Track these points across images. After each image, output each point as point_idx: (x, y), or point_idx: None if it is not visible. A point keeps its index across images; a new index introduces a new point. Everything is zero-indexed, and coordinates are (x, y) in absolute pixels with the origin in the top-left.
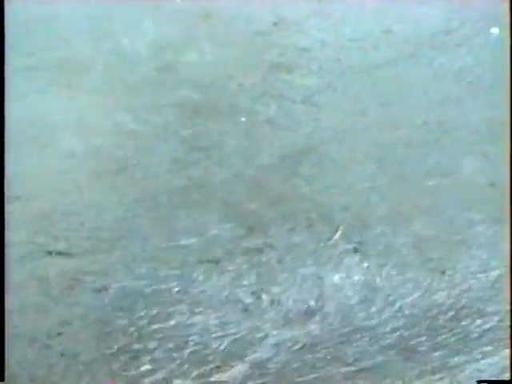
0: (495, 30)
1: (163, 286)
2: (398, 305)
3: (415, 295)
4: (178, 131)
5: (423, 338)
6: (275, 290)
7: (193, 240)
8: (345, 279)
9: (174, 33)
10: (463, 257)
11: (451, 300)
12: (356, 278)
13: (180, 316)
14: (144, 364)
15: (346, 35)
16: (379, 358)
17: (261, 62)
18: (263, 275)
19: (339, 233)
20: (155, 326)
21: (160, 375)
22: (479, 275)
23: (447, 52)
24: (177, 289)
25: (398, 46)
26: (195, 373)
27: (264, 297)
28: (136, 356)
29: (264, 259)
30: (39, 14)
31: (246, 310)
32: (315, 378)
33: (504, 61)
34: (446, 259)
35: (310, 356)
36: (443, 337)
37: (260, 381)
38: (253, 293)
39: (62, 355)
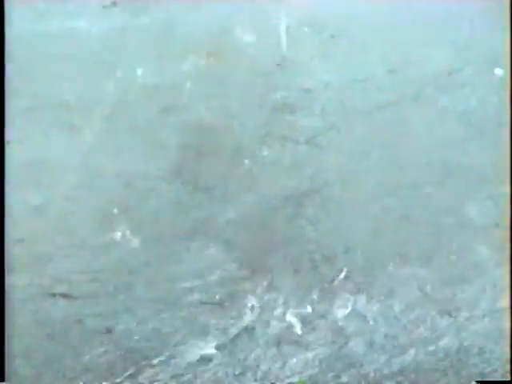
0: (499, 71)
1: (167, 328)
2: (403, 346)
3: (420, 336)
4: (182, 172)
5: (429, 379)
6: (280, 329)
7: (197, 282)
8: (349, 320)
9: (178, 74)
10: (468, 298)
11: (456, 341)
12: (360, 318)
13: (186, 356)
14: None
15: (350, 76)
16: None
17: (264, 103)
18: (268, 315)
19: (343, 274)
20: (158, 368)
21: None
22: (484, 316)
23: (451, 93)
24: (181, 330)
25: (401, 87)
26: None
27: (269, 338)
28: None
29: (268, 300)
30: (42, 55)
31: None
32: None
33: (508, 102)
34: (451, 300)
35: None
36: (449, 378)
37: None
38: (256, 333)
39: None
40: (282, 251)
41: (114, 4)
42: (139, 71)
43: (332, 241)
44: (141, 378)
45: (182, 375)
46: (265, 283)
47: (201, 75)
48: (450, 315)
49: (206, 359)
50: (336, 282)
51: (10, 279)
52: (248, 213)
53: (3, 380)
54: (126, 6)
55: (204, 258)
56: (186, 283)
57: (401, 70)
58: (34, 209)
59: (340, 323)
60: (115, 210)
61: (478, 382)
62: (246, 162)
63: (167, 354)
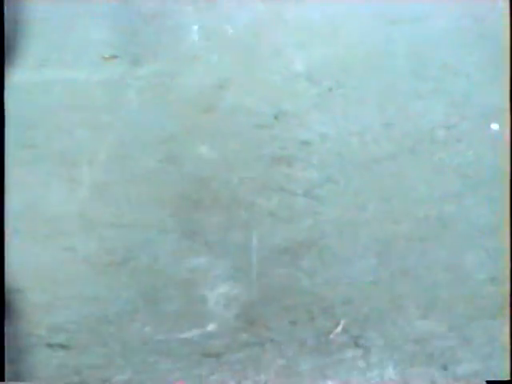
0: (495, 126)
1: (163, 380)
2: None
3: None
4: (180, 224)
5: None
6: (277, 382)
7: (193, 333)
8: (345, 373)
9: (176, 125)
10: (465, 352)
11: None
12: (356, 372)
13: None
14: None
15: (347, 129)
16: None
17: (261, 155)
18: (264, 369)
19: (340, 327)
20: None
21: None
22: (481, 371)
23: (447, 147)
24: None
25: (398, 140)
26: None
27: None
28: None
29: (265, 353)
30: (40, 106)
31: None
32: None
33: (504, 156)
34: (448, 355)
35: None
36: None
37: None
38: None
39: None
40: (279, 303)
41: (114, 56)
42: (137, 122)
43: (329, 293)
44: None
45: None
46: (261, 335)
47: (198, 127)
48: (445, 369)
49: None
50: (333, 335)
51: (7, 329)
52: (245, 264)
53: (3, 380)
54: (124, 57)
55: (201, 310)
56: (184, 334)
57: (397, 124)
58: (32, 259)
59: (336, 376)
60: (112, 261)
61: (487, 381)
62: (244, 213)
63: None
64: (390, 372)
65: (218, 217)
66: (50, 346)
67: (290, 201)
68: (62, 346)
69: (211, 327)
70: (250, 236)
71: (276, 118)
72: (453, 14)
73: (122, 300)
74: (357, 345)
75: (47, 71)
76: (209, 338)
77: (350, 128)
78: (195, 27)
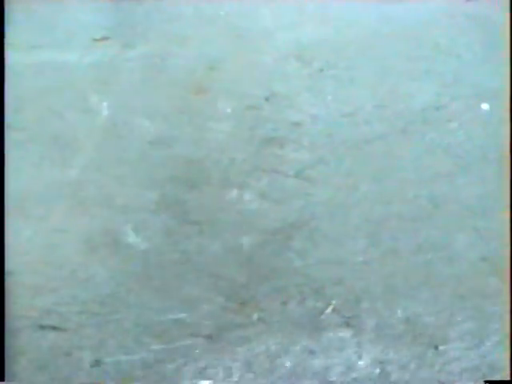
0: (485, 106)
1: (155, 361)
2: (390, 380)
3: (408, 370)
4: (171, 205)
5: None
6: (268, 363)
7: (185, 314)
8: (336, 353)
9: (167, 107)
10: (455, 332)
11: (444, 375)
12: (348, 352)
13: None
14: None
15: (338, 110)
16: None
17: (253, 137)
18: (256, 349)
19: (331, 307)
20: None
21: None
22: (472, 350)
23: (438, 127)
24: (169, 364)
25: (389, 121)
26: None
27: (261, 370)
28: None
29: (256, 333)
30: (31, 88)
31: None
32: None
33: (495, 136)
34: (439, 334)
35: None
36: None
37: None
38: (245, 366)
39: None
40: (271, 284)
41: (105, 38)
42: (128, 104)
43: (320, 273)
44: None
45: None
46: (252, 316)
47: (189, 108)
48: (436, 348)
49: None
50: (324, 315)
51: None
52: (236, 245)
53: (3, 380)
54: (115, 39)
55: (192, 291)
56: (174, 315)
57: (389, 104)
58: (23, 241)
59: (327, 356)
60: (104, 243)
61: (487, 381)
62: (235, 195)
63: None
64: (381, 352)
65: (209, 198)
66: (41, 327)
67: (282, 182)
68: (54, 328)
69: (203, 308)
70: (241, 217)
71: (267, 99)
72: None
73: (114, 281)
74: (348, 325)
75: (38, 53)
76: (200, 319)
77: (341, 109)
78: (186, 9)
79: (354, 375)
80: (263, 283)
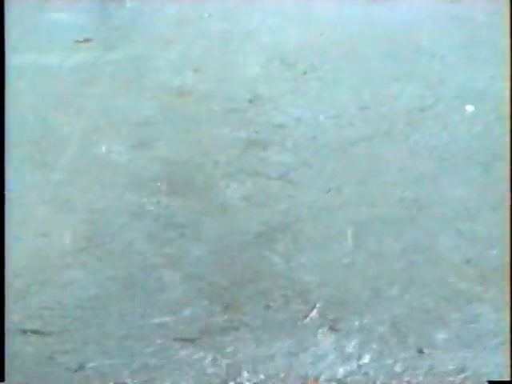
0: (470, 108)
1: (138, 365)
2: None
3: (392, 374)
4: (153, 208)
5: None
6: (251, 367)
7: (168, 318)
8: (321, 357)
9: (150, 110)
10: (440, 334)
11: (429, 378)
12: (332, 355)
13: None
14: None
15: (322, 112)
16: None
17: (236, 139)
18: (239, 353)
19: (315, 310)
20: None
21: None
22: (456, 353)
23: (422, 129)
24: (153, 368)
25: (373, 122)
26: None
27: (245, 374)
28: None
29: (240, 337)
30: (12, 92)
31: None
32: None
33: (479, 138)
34: (423, 337)
35: None
36: None
37: None
38: (228, 370)
39: None
40: (254, 287)
41: (87, 40)
42: (111, 107)
43: (304, 277)
44: None
45: None
46: (235, 319)
47: (172, 111)
48: (420, 351)
49: None
50: (308, 319)
51: None
52: (219, 249)
53: (3, 380)
54: (98, 41)
55: (175, 295)
56: (158, 319)
57: (373, 106)
58: (5, 245)
59: (311, 360)
60: (86, 246)
61: (489, 381)
62: (218, 197)
63: None
64: (366, 355)
65: (192, 201)
66: (23, 332)
67: (265, 184)
68: (36, 332)
69: (186, 312)
70: (224, 220)
71: (251, 101)
72: None
73: (97, 285)
74: (332, 328)
75: (19, 56)
76: (184, 323)
77: (325, 111)
78: (169, 11)
79: (337, 378)
80: (247, 286)
